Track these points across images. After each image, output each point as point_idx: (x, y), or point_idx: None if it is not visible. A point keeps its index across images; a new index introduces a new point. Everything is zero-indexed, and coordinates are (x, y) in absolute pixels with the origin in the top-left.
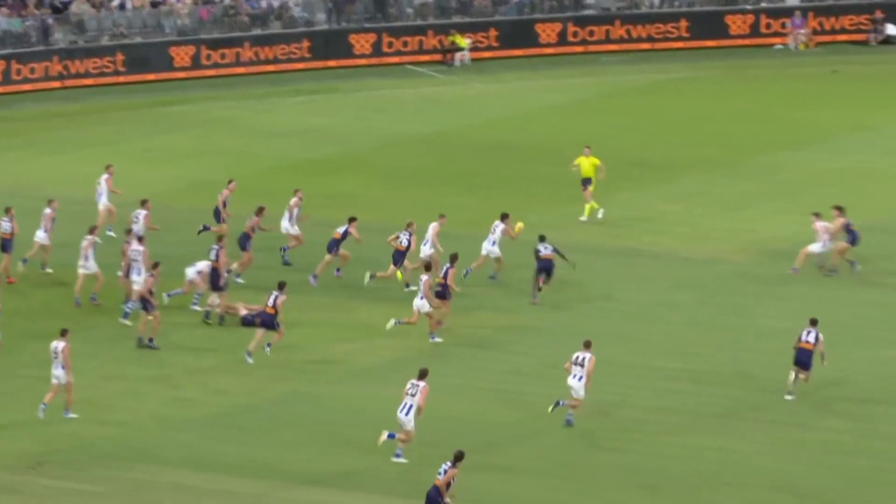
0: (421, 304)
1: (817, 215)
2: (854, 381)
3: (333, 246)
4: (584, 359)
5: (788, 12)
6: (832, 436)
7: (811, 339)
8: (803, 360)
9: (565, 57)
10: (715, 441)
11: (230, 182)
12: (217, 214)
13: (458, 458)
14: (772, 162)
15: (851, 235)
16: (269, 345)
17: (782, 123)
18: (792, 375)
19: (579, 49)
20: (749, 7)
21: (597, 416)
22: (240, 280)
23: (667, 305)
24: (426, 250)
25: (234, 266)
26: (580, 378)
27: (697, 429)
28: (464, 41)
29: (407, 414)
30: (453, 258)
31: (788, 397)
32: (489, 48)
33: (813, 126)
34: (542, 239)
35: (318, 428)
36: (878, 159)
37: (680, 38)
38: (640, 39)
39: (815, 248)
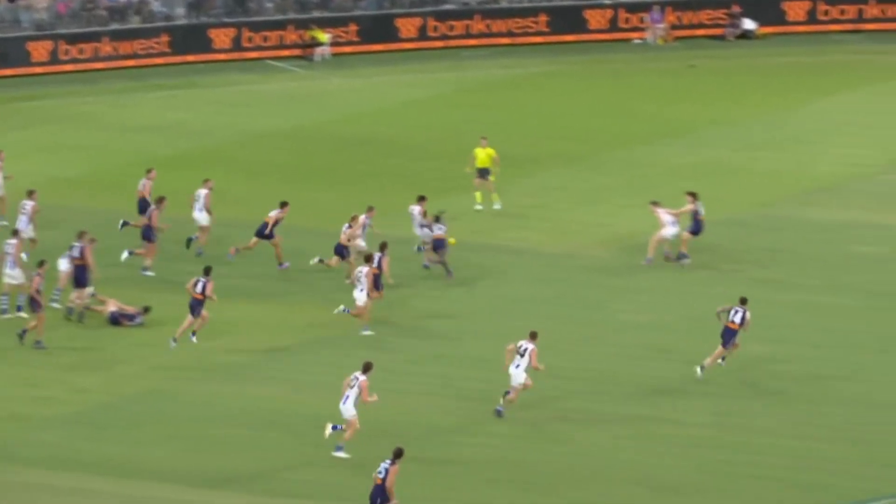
0: (360, 295)
1: (655, 203)
2: (713, 379)
3: (263, 230)
4: (525, 350)
5: (647, 7)
6: (693, 430)
7: (737, 319)
8: (726, 338)
9: (425, 52)
10: (577, 435)
11: (149, 171)
12: (143, 206)
13: (398, 455)
14: (630, 156)
15: (696, 224)
16: (193, 333)
17: (641, 118)
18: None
19: (439, 44)
20: (607, 2)
21: (460, 409)
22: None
23: (528, 301)
24: (360, 243)
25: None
26: (518, 366)
27: (559, 423)
28: (324, 36)
29: (345, 403)
30: (383, 247)
31: (699, 371)
32: (349, 43)
33: (671, 120)
34: (437, 219)
35: (177, 426)
36: (735, 153)
37: (539, 33)
38: (499, 34)
39: (665, 233)
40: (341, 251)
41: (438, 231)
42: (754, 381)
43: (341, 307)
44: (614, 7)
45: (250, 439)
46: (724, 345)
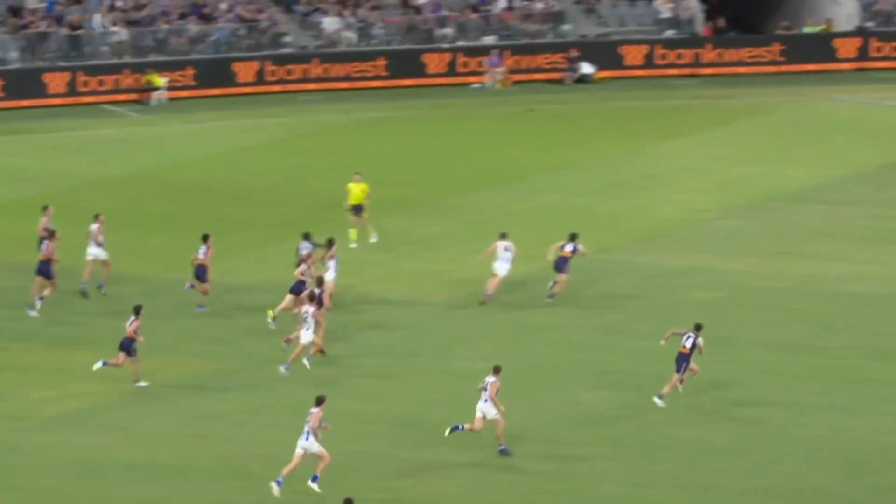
0: (306, 334)
1: (503, 236)
2: (547, 426)
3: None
4: (487, 383)
5: (485, 51)
6: (526, 478)
7: (688, 343)
8: (679, 364)
9: (263, 96)
10: (411, 483)
11: (46, 208)
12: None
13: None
14: (469, 201)
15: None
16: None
17: (481, 163)
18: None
19: (277, 88)
20: (446, 46)
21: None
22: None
23: (364, 348)
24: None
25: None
26: (486, 400)
27: (394, 473)
28: (160, 80)
29: (307, 439)
30: (320, 282)
31: (658, 401)
32: (186, 87)
33: (510, 165)
34: (305, 237)
35: (12, 477)
36: (573, 198)
37: (378, 77)
38: (338, 78)
39: (501, 271)
40: (299, 289)
41: (306, 250)
42: (592, 422)
43: (304, 360)
44: (453, 51)
45: (82, 489)
46: (678, 370)
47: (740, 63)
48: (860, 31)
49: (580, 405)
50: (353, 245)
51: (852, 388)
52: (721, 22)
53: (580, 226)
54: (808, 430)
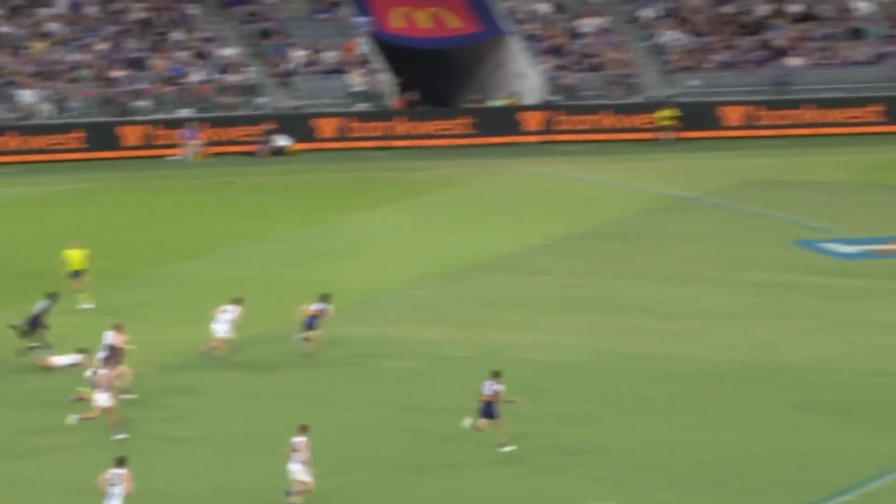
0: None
1: (237, 301)
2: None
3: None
4: (298, 443)
5: (181, 123)
6: None
7: (488, 391)
8: (488, 411)
9: None
10: None
11: None
12: None
13: None
14: (170, 272)
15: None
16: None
17: (179, 234)
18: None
19: None
20: (141, 118)
21: None
22: None
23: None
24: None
25: None
26: (297, 462)
27: None
28: None
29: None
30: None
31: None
32: None
33: (207, 236)
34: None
35: None
36: (269, 268)
37: (75, 150)
38: (35, 151)
39: (223, 331)
40: None
41: None
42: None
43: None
44: (149, 123)
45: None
46: (488, 416)
47: (432, 136)
48: (546, 105)
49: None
50: (87, 306)
51: (541, 452)
52: (413, 96)
53: (274, 296)
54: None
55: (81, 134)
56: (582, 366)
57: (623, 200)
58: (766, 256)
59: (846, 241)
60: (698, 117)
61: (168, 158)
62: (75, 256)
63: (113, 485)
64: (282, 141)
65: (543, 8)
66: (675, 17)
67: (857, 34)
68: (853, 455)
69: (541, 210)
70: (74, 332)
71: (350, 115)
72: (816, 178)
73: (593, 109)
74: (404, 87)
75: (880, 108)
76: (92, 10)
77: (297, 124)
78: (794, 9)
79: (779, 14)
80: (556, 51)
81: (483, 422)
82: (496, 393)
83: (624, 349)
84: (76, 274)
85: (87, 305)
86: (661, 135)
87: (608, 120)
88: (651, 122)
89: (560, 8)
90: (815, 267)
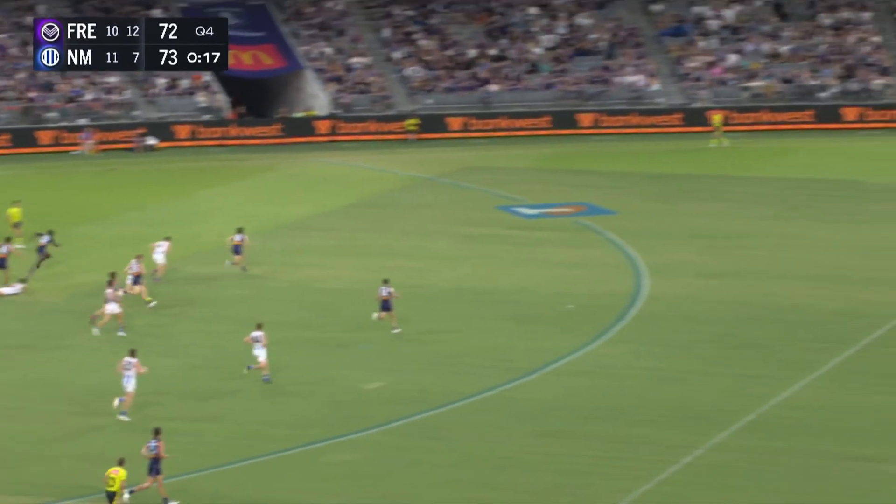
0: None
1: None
2: None
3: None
4: (258, 335)
5: (80, 128)
6: None
7: (385, 293)
8: (385, 306)
9: None
10: None
11: None
12: None
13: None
14: (75, 232)
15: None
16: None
17: (79, 206)
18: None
19: None
20: (52, 125)
21: None
22: None
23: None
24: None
25: None
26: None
27: None
28: None
29: (129, 381)
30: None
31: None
32: None
33: (100, 207)
34: (50, 233)
35: None
36: (146, 228)
37: (3, 147)
38: None
39: (160, 259)
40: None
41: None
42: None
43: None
44: (57, 129)
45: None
46: (385, 310)
47: (254, 137)
48: (331, 116)
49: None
50: (20, 247)
51: (338, 351)
52: (241, 109)
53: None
54: (305, 380)
55: (6, 137)
56: (356, 292)
57: (384, 181)
58: (478, 217)
59: (530, 206)
60: (432, 124)
61: (71, 153)
62: (15, 213)
63: (127, 369)
64: (151, 141)
65: (328, 50)
66: (416, 56)
67: (533, 69)
68: (533, 350)
69: (330, 188)
70: (15, 264)
71: (198, 123)
72: (510, 165)
73: (363, 119)
74: (234, 103)
75: (549, 118)
76: (13, 50)
77: (162, 129)
78: (492, 52)
79: (483, 55)
80: (337, 79)
81: (383, 314)
82: (390, 293)
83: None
84: (17, 225)
85: (20, 247)
86: (408, 136)
87: (373, 126)
88: (401, 128)
89: (339, 51)
90: (510, 224)
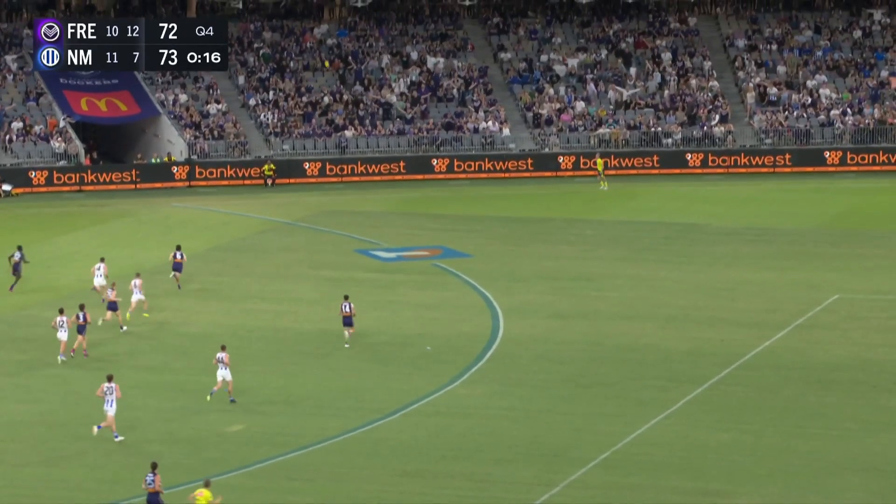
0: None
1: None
2: None
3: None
4: (222, 356)
5: None
6: None
7: (346, 309)
8: (347, 322)
9: None
10: None
11: None
12: None
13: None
14: None
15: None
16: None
17: None
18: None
19: None
20: None
21: None
22: None
23: None
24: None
25: None
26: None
27: None
28: None
29: (111, 406)
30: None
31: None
32: None
33: None
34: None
35: None
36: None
37: None
38: None
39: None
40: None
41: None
42: None
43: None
44: None
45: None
46: (348, 326)
47: (111, 182)
48: (188, 161)
49: None
50: None
51: (189, 395)
52: (95, 155)
53: (19, 284)
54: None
55: None
56: (219, 336)
57: (243, 225)
58: (337, 260)
59: (387, 250)
60: (289, 170)
61: None
62: None
63: (108, 394)
64: (6, 187)
65: (183, 97)
66: (271, 102)
67: (387, 115)
68: (393, 390)
69: (188, 232)
70: None
71: (54, 169)
72: (367, 209)
73: (220, 164)
74: (89, 149)
75: (403, 163)
76: None
77: (18, 175)
78: (347, 97)
79: (337, 101)
80: (194, 125)
81: (348, 330)
82: (351, 308)
83: (248, 323)
84: None
85: None
86: (265, 181)
87: (230, 171)
88: (259, 173)
89: (194, 97)
90: (368, 267)
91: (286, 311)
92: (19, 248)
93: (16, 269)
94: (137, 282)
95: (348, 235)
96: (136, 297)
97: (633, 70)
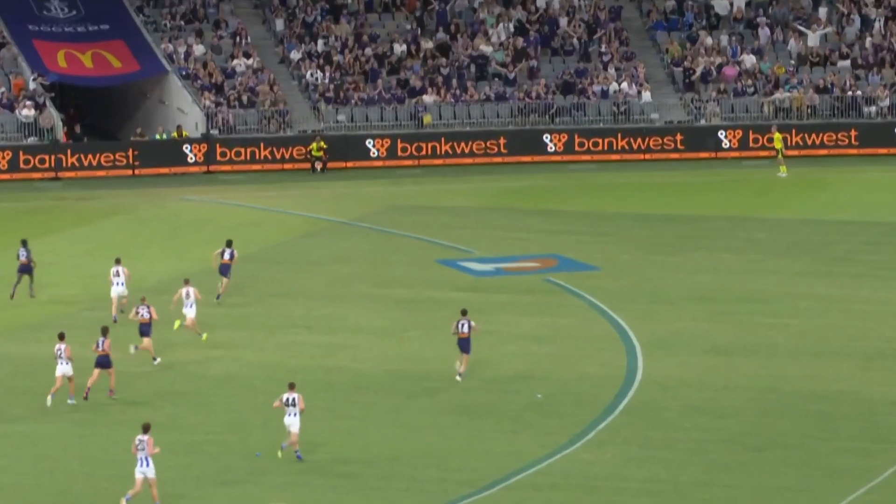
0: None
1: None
2: None
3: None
4: (294, 398)
5: None
6: None
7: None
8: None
9: None
10: None
11: None
12: None
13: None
14: None
15: None
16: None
17: None
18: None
19: None
20: None
21: None
22: None
23: None
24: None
25: None
26: (294, 415)
27: None
28: None
29: (147, 465)
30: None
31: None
32: None
33: None
34: (23, 244)
35: None
36: None
37: None
38: None
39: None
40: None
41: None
42: None
43: None
44: None
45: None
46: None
47: (99, 167)
48: (205, 138)
49: None
50: None
51: (206, 459)
52: (78, 129)
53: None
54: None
55: None
56: (251, 377)
57: (281, 226)
58: (412, 275)
59: (481, 260)
60: (345, 149)
61: None
62: None
63: (140, 450)
64: None
65: (199, 49)
66: (321, 56)
67: (482, 74)
68: (490, 454)
69: (206, 236)
70: None
71: (20, 148)
72: (453, 203)
73: (250, 142)
74: (69, 121)
75: (505, 138)
76: None
77: None
78: (426, 48)
79: (413, 54)
80: (214, 88)
81: (464, 357)
82: (470, 326)
83: (288, 362)
84: None
85: None
86: (313, 165)
87: (264, 152)
88: (304, 154)
89: (215, 49)
90: (456, 283)
91: (341, 344)
92: (24, 244)
93: (26, 269)
94: (191, 290)
95: (428, 240)
96: (191, 312)
97: (822, 10)
